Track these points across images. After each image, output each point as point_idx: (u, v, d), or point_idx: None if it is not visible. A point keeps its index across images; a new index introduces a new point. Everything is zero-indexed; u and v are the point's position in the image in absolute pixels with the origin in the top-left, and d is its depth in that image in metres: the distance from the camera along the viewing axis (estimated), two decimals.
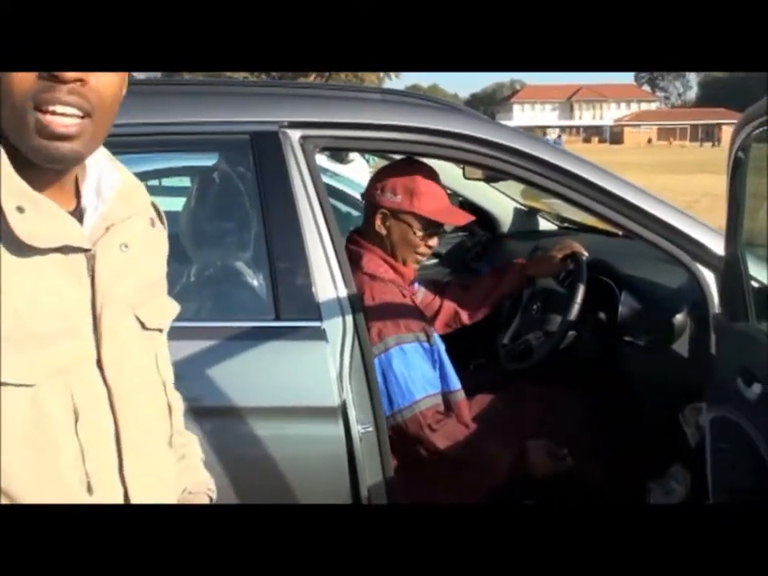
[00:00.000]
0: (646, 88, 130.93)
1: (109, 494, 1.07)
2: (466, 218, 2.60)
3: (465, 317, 2.73)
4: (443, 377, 2.32)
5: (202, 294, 2.20)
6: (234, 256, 2.15)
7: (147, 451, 1.12)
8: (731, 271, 1.95)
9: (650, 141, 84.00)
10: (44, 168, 1.01)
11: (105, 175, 1.11)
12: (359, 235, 2.42)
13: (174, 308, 1.23)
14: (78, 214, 1.07)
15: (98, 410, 1.05)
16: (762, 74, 1.31)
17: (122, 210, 1.11)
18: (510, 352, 2.67)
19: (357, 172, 7.59)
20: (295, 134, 2.03)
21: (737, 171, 1.83)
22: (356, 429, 1.89)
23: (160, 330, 1.18)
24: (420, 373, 2.23)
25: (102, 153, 1.13)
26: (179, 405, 1.31)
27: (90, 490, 1.04)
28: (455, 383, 2.35)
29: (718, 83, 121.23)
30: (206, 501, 1.32)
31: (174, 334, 1.23)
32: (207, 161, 3.45)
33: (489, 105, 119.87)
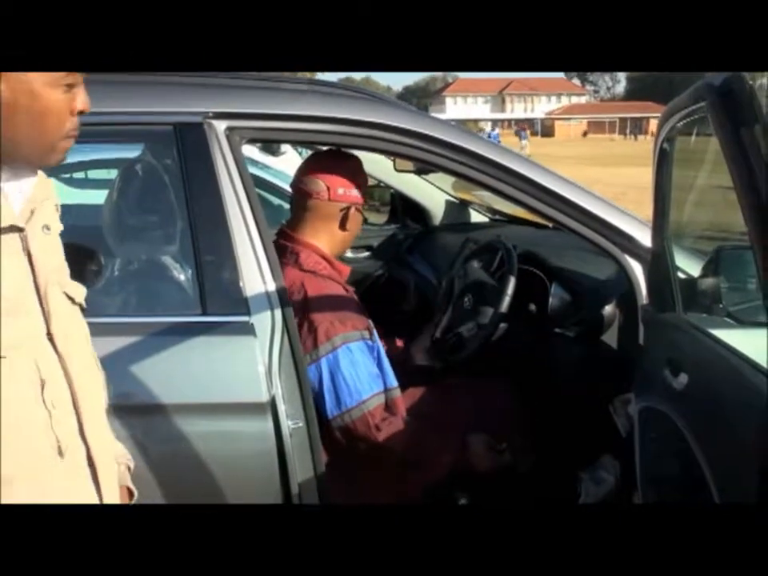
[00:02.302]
0: (576, 81, 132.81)
1: (76, 456, 1.16)
2: None
3: None
4: (383, 373, 2.30)
5: (127, 289, 2.14)
6: (159, 250, 2.10)
7: (98, 415, 1.24)
8: (658, 262, 1.97)
9: (585, 134, 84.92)
10: None
11: None
12: (292, 230, 2.36)
13: (83, 287, 1.31)
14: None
15: (57, 379, 1.14)
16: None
17: (41, 193, 1.20)
18: (443, 345, 2.66)
19: (289, 164, 7.55)
20: (221, 125, 1.99)
21: (662, 162, 1.85)
22: (286, 424, 1.86)
23: (82, 308, 1.28)
24: (366, 371, 2.20)
25: None
26: None
27: (61, 453, 1.12)
28: (393, 380, 2.33)
29: (645, 77, 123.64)
30: (127, 471, 1.42)
31: (100, 330, 1.29)
32: (135, 152, 3.38)
33: (422, 98, 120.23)
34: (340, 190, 2.31)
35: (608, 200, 2.22)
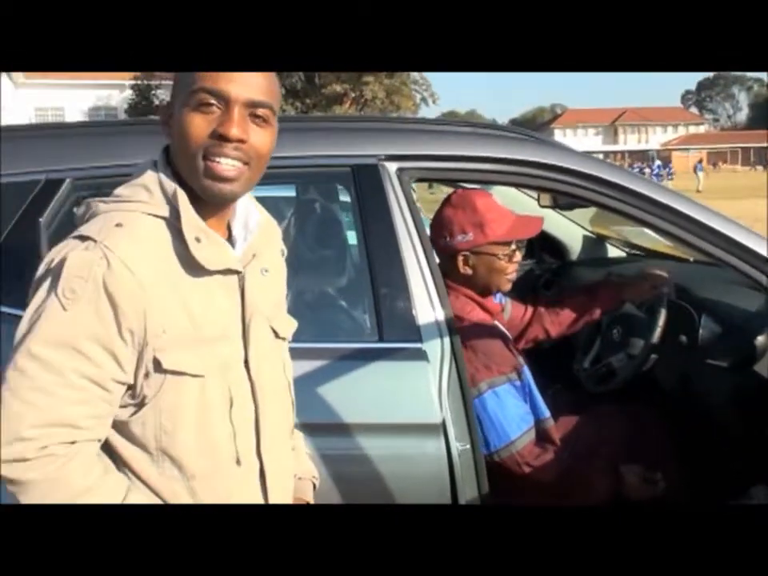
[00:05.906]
0: (694, 110, 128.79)
1: (250, 468, 1.34)
2: (539, 223, 2.60)
3: (553, 332, 2.75)
4: (533, 406, 2.37)
5: (308, 317, 2.29)
6: (338, 282, 2.26)
7: (277, 437, 1.39)
8: None
9: (715, 165, 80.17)
10: (207, 206, 1.29)
11: (251, 213, 1.37)
12: (442, 272, 2.47)
13: (294, 323, 1.50)
14: (231, 242, 1.33)
15: (245, 401, 1.32)
16: None
17: (264, 242, 1.39)
18: (592, 375, 2.72)
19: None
20: (392, 166, 2.15)
21: None
22: (455, 445, 1.97)
23: (284, 339, 1.46)
24: (513, 412, 2.28)
25: (248, 196, 1.37)
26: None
27: (238, 462, 1.31)
28: (545, 411, 2.39)
29: None
30: (311, 487, 1.58)
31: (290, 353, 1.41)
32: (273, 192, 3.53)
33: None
34: (478, 232, 2.39)
35: (754, 230, 2.25)
